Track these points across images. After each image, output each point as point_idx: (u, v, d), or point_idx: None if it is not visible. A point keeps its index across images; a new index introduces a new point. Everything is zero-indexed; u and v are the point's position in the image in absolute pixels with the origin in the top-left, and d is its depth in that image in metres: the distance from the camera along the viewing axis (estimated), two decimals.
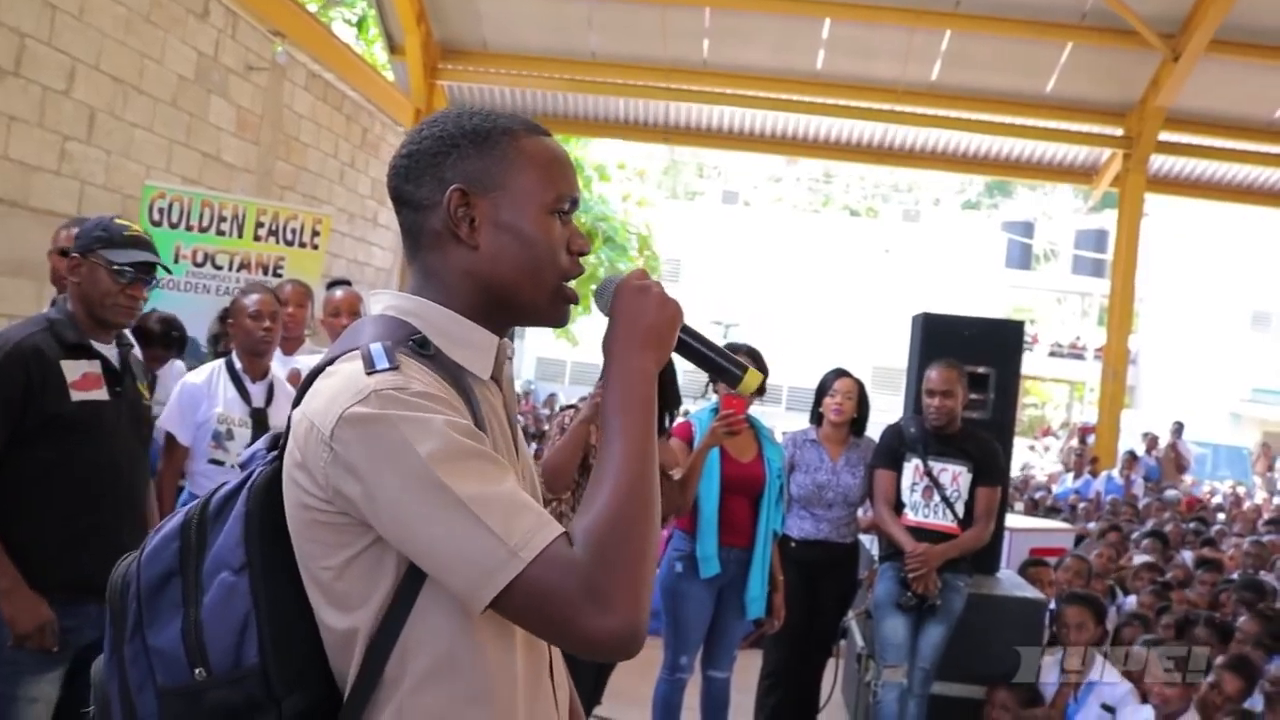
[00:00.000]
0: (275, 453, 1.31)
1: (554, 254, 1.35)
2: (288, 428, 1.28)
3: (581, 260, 1.39)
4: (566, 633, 1.16)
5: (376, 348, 1.24)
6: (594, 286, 1.41)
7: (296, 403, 1.28)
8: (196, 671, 1.23)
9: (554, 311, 1.38)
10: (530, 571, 1.14)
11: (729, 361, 1.47)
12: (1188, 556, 8.09)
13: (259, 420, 3.87)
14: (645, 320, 1.33)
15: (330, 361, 1.29)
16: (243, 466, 1.36)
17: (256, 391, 3.94)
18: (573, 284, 1.40)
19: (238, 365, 3.95)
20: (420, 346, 1.27)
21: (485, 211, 1.32)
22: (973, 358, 5.08)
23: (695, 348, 1.44)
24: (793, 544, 4.85)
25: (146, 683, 1.25)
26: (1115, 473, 12.46)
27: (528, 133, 1.37)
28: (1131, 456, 12.94)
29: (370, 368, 1.22)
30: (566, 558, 1.16)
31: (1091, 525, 9.29)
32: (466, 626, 1.23)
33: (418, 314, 1.33)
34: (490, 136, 1.34)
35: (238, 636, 1.23)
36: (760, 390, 1.48)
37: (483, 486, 1.17)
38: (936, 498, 4.67)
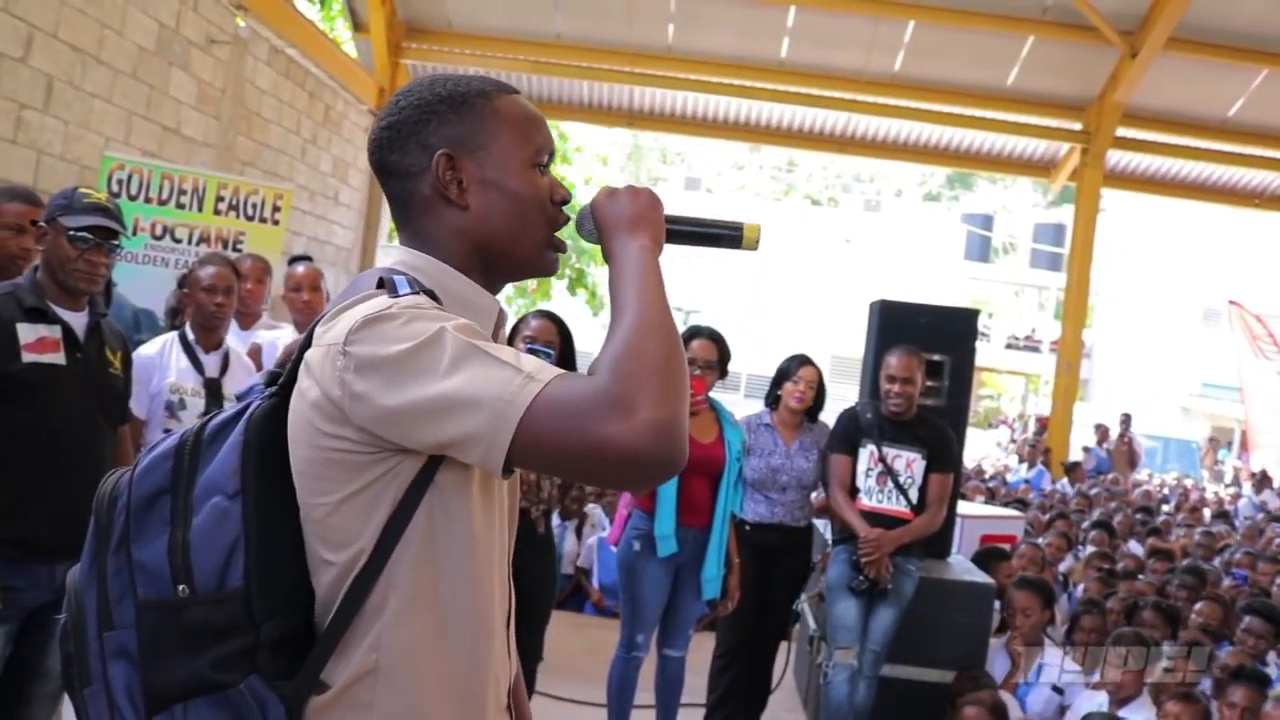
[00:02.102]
0: (274, 389, 1.35)
1: (541, 205, 1.41)
2: (291, 369, 1.32)
3: (565, 209, 1.45)
4: (595, 448, 1.15)
5: (399, 278, 1.30)
6: (574, 220, 1.46)
7: (305, 348, 1.31)
8: (180, 588, 1.27)
9: (544, 261, 1.44)
10: (546, 393, 1.16)
11: (721, 227, 1.48)
12: (1135, 547, 8.25)
13: (213, 390, 3.86)
14: (625, 213, 1.38)
15: (338, 306, 1.32)
16: (240, 398, 1.39)
17: (210, 362, 3.93)
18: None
19: (190, 336, 3.94)
20: (430, 297, 1.31)
21: (471, 172, 1.38)
22: (928, 345, 5.13)
23: (685, 230, 1.46)
24: (747, 527, 4.87)
25: (126, 594, 1.29)
26: (1064, 482, 12.59)
27: (499, 93, 1.43)
28: (1073, 468, 13.08)
29: (394, 293, 1.27)
30: (584, 380, 1.19)
31: (1044, 516, 9.42)
32: (451, 564, 1.29)
33: (425, 271, 1.38)
34: (467, 100, 1.40)
35: (224, 559, 1.27)
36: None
37: (496, 345, 1.23)
38: (890, 484, 4.74)
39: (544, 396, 1.16)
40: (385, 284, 1.30)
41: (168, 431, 3.76)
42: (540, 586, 4.09)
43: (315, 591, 1.31)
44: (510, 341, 4.22)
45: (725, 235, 1.47)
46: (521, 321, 4.24)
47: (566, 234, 1.49)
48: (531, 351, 3.76)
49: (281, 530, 1.30)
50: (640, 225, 1.38)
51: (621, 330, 1.23)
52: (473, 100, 1.40)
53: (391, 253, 1.46)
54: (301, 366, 1.30)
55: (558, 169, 18.37)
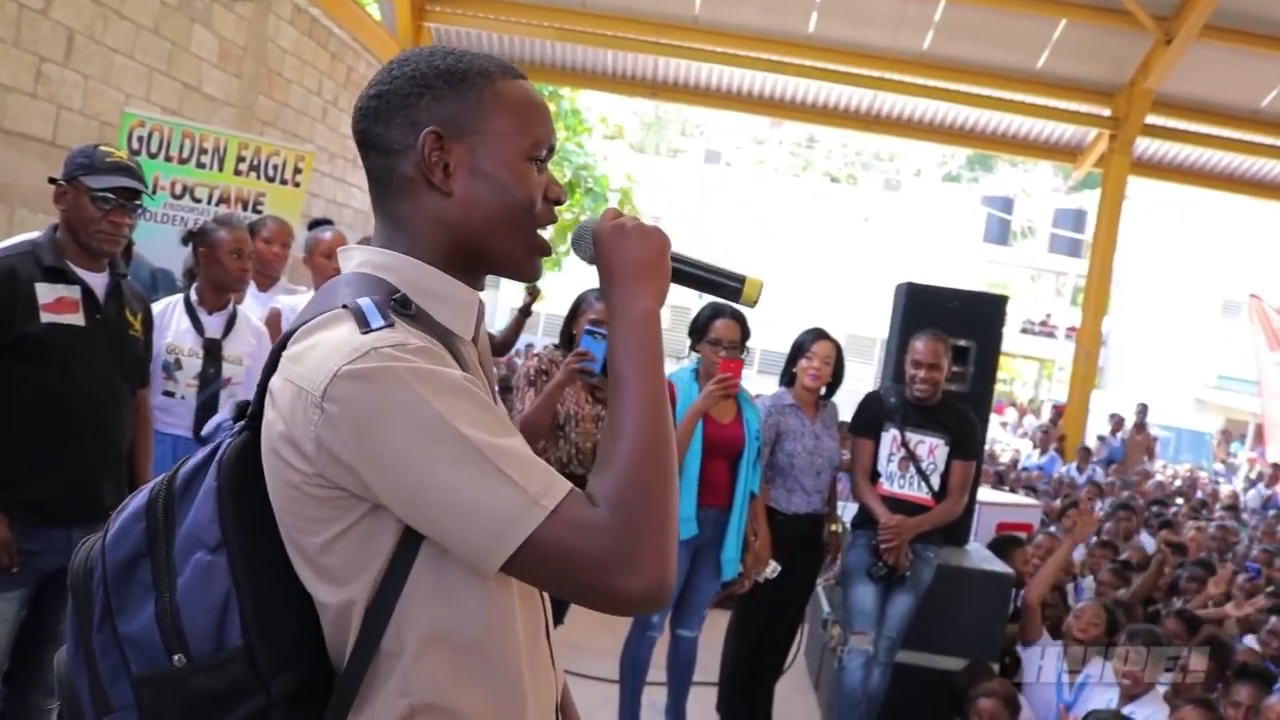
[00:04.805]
0: (242, 423, 1.25)
1: (531, 202, 1.30)
2: (259, 397, 1.21)
3: (557, 210, 1.34)
4: (593, 592, 1.12)
5: (367, 303, 1.17)
6: (571, 234, 1.37)
7: (270, 369, 1.21)
8: (175, 658, 1.16)
9: (528, 263, 1.34)
10: (552, 523, 1.10)
11: (725, 276, 1.43)
12: (1146, 540, 8.18)
13: (211, 350, 3.79)
14: (633, 258, 1.29)
15: (305, 323, 1.21)
16: (206, 440, 1.29)
17: (213, 323, 3.85)
18: (547, 235, 1.35)
19: (193, 297, 3.87)
20: (402, 306, 1.21)
21: (460, 157, 1.27)
22: (954, 330, 5.05)
23: (689, 272, 1.41)
24: (780, 517, 4.67)
25: (119, 672, 1.19)
26: (1073, 467, 12.49)
27: (504, 75, 1.31)
28: (1085, 452, 12.98)
29: (365, 326, 1.15)
30: (589, 516, 1.12)
31: (1057, 502, 9.39)
32: (465, 592, 1.19)
33: (395, 270, 1.26)
34: (466, 78, 1.28)
35: (218, 618, 1.17)
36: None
37: (497, 438, 1.12)
38: (912, 469, 4.68)
39: (550, 527, 1.10)
40: (352, 311, 1.17)
41: (167, 394, 3.71)
42: None
43: (325, 634, 1.21)
44: (573, 320, 4.18)
45: (726, 285, 1.43)
46: (583, 301, 4.16)
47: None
48: (590, 334, 3.72)
49: (275, 576, 1.19)
50: (647, 276, 1.29)
51: (623, 452, 1.16)
52: (472, 79, 1.28)
53: (354, 254, 1.30)
54: (267, 396, 1.19)
55: (578, 139, 18.23)
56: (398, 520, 1.15)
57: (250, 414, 1.24)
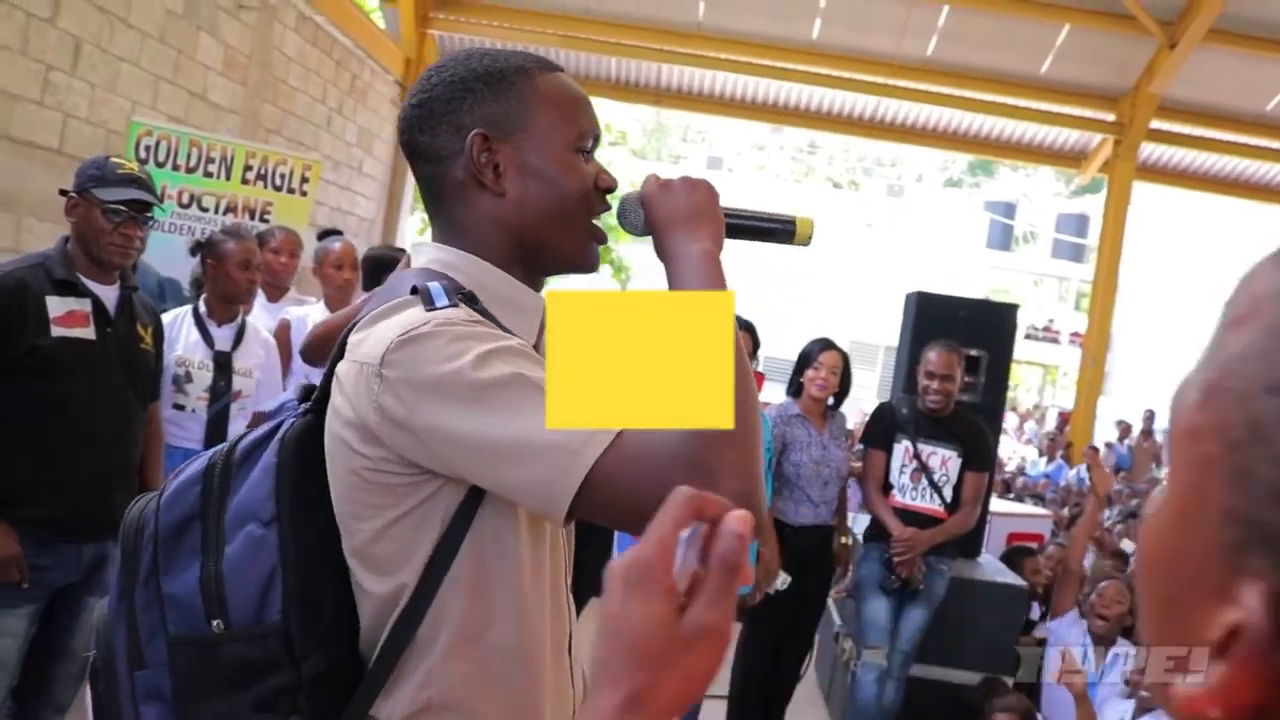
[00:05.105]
0: (307, 404, 1.26)
1: (584, 193, 1.30)
2: (325, 382, 1.23)
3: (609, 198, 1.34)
4: None
5: (435, 286, 1.18)
6: (616, 209, 1.36)
7: (337, 356, 1.22)
8: (214, 623, 1.18)
9: (586, 254, 1.32)
10: (618, 447, 1.06)
11: (776, 221, 1.39)
12: None
13: (221, 363, 3.77)
14: (683, 208, 1.27)
15: (372, 311, 1.22)
16: (270, 416, 1.30)
17: (222, 335, 3.83)
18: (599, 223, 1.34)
19: (202, 310, 3.84)
20: (469, 301, 1.20)
21: (509, 156, 1.27)
22: (965, 339, 5.01)
23: (738, 224, 1.37)
24: (787, 530, 4.63)
25: (158, 630, 1.20)
26: (1083, 469, 12.43)
27: (541, 70, 1.32)
28: (1094, 451, 12.92)
29: (430, 305, 1.15)
30: (657, 434, 1.07)
31: (1065, 511, 9.35)
32: (503, 594, 1.19)
33: (462, 269, 1.26)
34: (505, 77, 1.29)
35: (260, 591, 1.18)
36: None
37: None
38: (924, 481, 4.65)
39: (617, 449, 1.06)
40: (420, 292, 1.18)
41: (178, 408, 3.68)
42: (595, 569, 4.17)
43: (360, 623, 1.22)
44: None
45: (779, 230, 1.39)
46: None
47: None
48: None
49: (321, 558, 1.20)
50: (700, 223, 1.26)
51: None
52: (511, 78, 1.28)
53: (425, 251, 1.32)
54: (334, 381, 1.20)
55: None
56: (447, 507, 1.16)
57: (315, 398, 1.25)
